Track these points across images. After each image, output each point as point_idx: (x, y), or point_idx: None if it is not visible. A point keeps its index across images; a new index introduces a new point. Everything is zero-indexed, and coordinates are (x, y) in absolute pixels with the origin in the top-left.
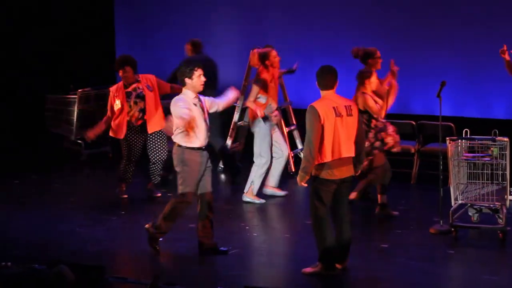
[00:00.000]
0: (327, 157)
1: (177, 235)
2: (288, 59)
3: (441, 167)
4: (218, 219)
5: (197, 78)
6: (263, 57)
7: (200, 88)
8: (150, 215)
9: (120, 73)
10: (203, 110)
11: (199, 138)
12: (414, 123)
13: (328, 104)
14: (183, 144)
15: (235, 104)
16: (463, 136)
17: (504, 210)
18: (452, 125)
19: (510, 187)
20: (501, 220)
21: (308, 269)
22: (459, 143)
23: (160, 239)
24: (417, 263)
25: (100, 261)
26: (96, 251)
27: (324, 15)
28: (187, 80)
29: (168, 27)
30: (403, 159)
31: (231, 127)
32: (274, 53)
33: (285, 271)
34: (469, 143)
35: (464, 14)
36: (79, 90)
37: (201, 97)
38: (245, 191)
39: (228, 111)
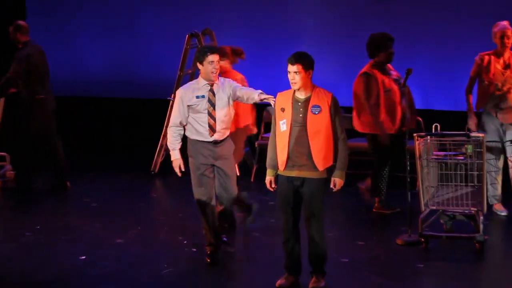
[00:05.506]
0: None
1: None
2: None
3: (408, 168)
4: None
5: (208, 64)
6: None
7: (212, 77)
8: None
9: None
10: (212, 102)
11: (200, 133)
12: None
13: None
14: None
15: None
16: (433, 132)
17: (481, 217)
18: (420, 119)
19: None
20: (477, 228)
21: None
22: (428, 140)
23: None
24: (381, 279)
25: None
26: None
27: None
28: (198, 65)
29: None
30: (364, 160)
31: None
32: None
33: None
34: (440, 140)
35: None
36: None
37: (220, 85)
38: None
39: None
